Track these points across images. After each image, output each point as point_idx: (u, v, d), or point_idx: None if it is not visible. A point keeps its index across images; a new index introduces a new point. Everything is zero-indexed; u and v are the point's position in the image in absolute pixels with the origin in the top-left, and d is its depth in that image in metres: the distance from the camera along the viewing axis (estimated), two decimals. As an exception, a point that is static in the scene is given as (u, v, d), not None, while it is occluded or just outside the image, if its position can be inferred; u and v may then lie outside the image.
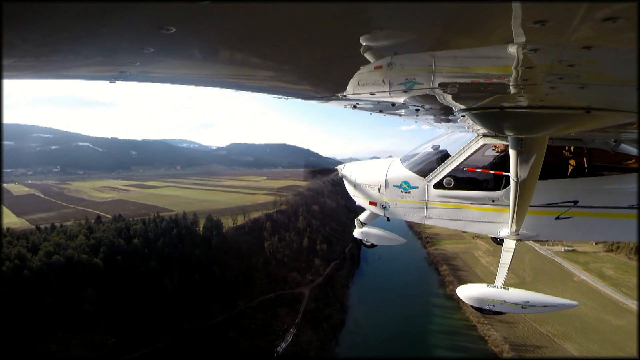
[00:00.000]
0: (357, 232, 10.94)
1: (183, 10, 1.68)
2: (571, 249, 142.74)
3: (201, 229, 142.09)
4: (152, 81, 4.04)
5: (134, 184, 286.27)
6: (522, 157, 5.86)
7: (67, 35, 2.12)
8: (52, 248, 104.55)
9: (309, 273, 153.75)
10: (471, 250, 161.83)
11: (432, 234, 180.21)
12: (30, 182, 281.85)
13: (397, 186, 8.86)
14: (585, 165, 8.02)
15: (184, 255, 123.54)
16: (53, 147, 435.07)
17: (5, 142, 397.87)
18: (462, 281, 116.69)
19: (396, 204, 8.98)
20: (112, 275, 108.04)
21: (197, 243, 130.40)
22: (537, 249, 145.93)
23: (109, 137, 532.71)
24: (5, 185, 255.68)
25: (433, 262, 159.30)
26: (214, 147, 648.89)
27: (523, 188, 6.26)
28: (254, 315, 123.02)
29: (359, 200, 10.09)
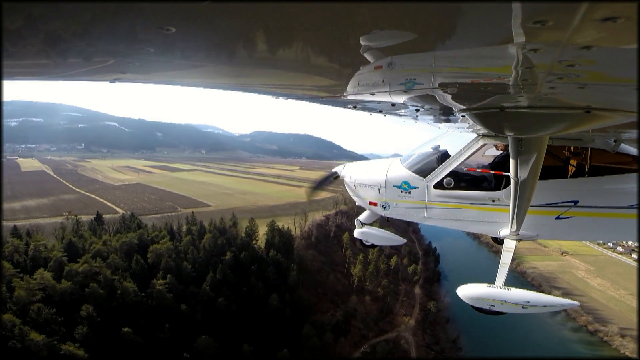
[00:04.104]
0: (357, 233, 9.20)
1: (183, 10, 1.52)
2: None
3: (262, 248, 76.22)
4: (152, 82, 3.70)
5: (157, 165, 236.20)
6: (522, 157, 5.00)
7: (66, 36, 1.92)
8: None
9: (398, 304, 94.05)
10: (568, 269, 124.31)
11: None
12: (49, 157, 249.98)
13: (397, 186, 7.52)
14: (585, 165, 6.90)
15: (255, 310, 55.67)
16: (80, 125, 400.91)
17: (34, 119, 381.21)
18: (589, 312, 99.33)
19: (396, 204, 7.64)
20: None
21: (269, 279, 62.10)
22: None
23: (137, 118, 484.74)
24: (19, 159, 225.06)
25: (531, 283, 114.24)
26: (238, 134, 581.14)
27: (523, 188, 5.32)
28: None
29: (359, 200, 8.45)
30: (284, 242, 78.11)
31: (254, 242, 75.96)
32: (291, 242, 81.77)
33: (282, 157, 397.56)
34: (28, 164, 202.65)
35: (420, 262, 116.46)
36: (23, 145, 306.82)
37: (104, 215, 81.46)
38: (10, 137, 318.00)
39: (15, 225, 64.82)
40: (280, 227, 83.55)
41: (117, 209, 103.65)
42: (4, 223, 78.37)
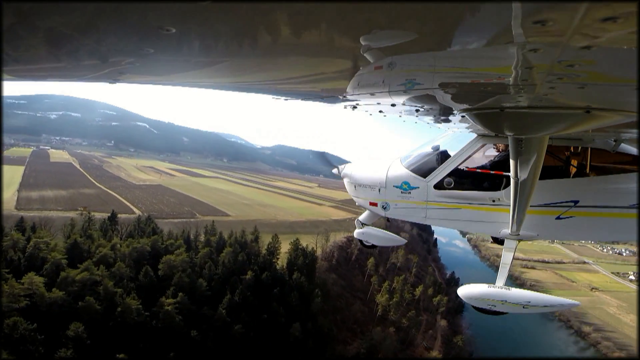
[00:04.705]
0: (357, 233, 8.81)
1: (183, 10, 1.48)
2: None
3: (284, 267, 66.71)
4: (152, 82, 3.62)
5: (180, 169, 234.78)
6: (522, 157, 4.88)
7: (67, 36, 1.89)
8: None
9: (419, 334, 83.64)
10: (599, 305, 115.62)
11: (533, 280, 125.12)
12: (79, 151, 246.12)
13: (397, 186, 7.27)
14: (586, 165, 6.72)
15: (274, 341, 45.67)
16: (113, 124, 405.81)
17: (73, 113, 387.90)
18: (621, 348, 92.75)
19: (396, 205, 7.41)
20: None
21: (291, 305, 52.27)
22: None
23: (166, 122, 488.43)
24: (51, 150, 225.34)
25: (559, 318, 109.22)
26: (259, 146, 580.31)
27: (523, 188, 5.20)
28: None
29: (359, 200, 8.21)
30: (307, 263, 68.51)
31: (274, 260, 66.94)
32: (314, 264, 72.11)
33: (299, 172, 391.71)
34: (58, 155, 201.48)
35: (444, 292, 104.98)
36: (58, 138, 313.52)
37: (119, 215, 74.31)
38: (48, 129, 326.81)
39: (22, 217, 57.82)
40: (304, 246, 74.53)
41: (134, 209, 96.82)
42: (11, 212, 72.36)
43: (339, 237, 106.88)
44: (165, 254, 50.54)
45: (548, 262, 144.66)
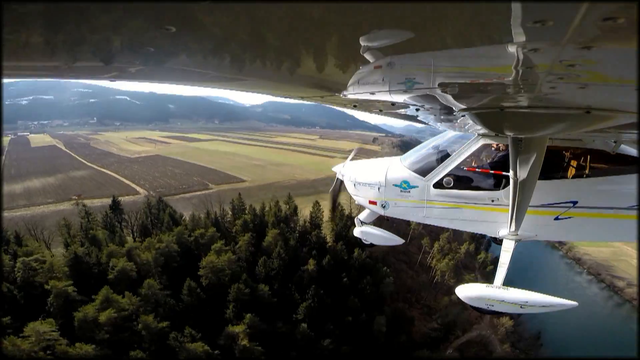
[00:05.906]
0: (356, 231, 8.62)
1: (183, 10, 1.47)
2: None
3: (340, 245, 48.07)
4: (152, 80, 3.59)
5: (174, 135, 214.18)
6: (522, 157, 4.89)
7: (67, 34, 1.87)
8: None
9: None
10: (622, 256, 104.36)
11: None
12: (61, 132, 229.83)
13: (396, 185, 7.09)
14: (585, 166, 6.48)
15: (369, 349, 32.95)
16: (91, 100, 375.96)
17: (44, 96, 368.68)
18: None
19: (396, 204, 7.21)
20: None
21: (365, 294, 39.16)
22: None
23: (147, 92, 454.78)
24: (30, 135, 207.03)
25: (588, 271, 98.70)
26: (249, 105, 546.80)
27: (523, 188, 5.15)
28: None
29: (359, 199, 7.94)
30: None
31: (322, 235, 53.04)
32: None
33: (295, 126, 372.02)
34: (39, 139, 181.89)
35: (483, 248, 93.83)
36: (35, 122, 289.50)
37: (122, 199, 58.99)
38: (22, 115, 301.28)
39: (-1, 225, 42.07)
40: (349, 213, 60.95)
41: (138, 189, 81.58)
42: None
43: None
44: (196, 249, 36.86)
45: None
